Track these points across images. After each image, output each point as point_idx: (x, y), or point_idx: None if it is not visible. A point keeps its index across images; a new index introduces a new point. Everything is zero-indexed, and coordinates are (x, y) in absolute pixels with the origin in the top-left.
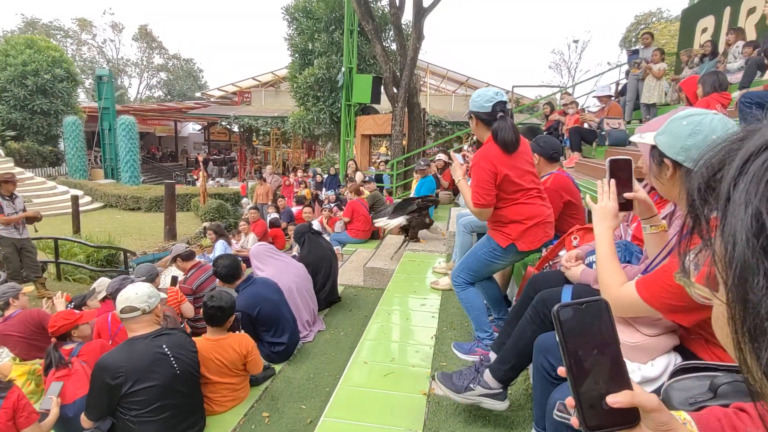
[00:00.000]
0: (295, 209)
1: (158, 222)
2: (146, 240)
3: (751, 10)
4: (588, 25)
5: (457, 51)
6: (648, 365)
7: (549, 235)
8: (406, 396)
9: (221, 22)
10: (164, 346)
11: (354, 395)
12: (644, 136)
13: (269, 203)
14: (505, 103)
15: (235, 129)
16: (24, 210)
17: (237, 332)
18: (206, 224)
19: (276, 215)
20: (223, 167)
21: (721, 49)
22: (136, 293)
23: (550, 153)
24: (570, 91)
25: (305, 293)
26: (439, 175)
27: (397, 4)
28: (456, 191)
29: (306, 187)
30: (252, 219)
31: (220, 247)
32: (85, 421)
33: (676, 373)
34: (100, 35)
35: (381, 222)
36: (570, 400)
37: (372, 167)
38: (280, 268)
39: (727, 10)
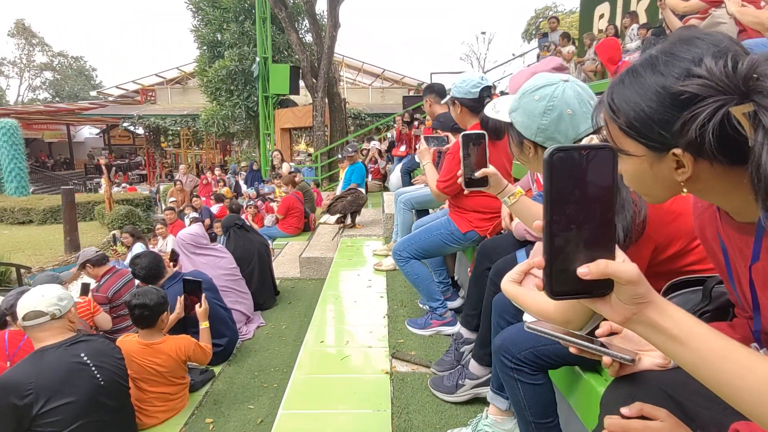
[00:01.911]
0: (214, 208)
1: (56, 234)
2: (43, 255)
3: None
4: (493, 19)
5: (371, 45)
6: None
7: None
8: (367, 377)
9: (113, 15)
10: (83, 355)
11: (311, 383)
12: (499, 110)
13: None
14: (491, 87)
15: (140, 131)
16: None
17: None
18: (115, 231)
19: (196, 215)
20: (129, 173)
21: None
22: (42, 295)
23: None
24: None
25: (238, 287)
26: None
27: None
28: (384, 178)
29: (225, 185)
30: (169, 220)
31: (138, 251)
32: None
33: (668, 291)
34: None
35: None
36: (540, 260)
37: (293, 162)
38: (207, 262)
39: None
